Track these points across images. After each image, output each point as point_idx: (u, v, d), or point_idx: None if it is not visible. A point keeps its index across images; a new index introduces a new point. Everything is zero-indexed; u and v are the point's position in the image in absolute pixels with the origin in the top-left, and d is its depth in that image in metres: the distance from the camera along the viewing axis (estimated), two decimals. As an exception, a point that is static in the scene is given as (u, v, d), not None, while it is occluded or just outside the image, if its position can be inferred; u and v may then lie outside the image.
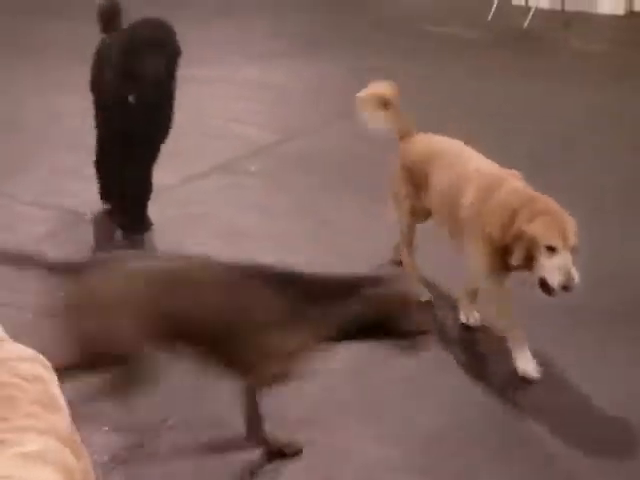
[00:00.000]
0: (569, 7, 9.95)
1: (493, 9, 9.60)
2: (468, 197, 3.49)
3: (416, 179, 3.82)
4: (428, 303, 3.85)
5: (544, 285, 3.26)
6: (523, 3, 9.88)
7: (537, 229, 3.23)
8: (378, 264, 4.11)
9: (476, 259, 3.48)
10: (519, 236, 3.25)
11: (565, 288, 3.19)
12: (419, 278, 3.96)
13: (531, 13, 9.37)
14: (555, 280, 3.19)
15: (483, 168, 3.62)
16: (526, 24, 9.34)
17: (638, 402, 3.37)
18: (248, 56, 7.62)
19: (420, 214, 3.92)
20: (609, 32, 9.74)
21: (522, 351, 3.44)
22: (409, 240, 3.98)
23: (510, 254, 3.30)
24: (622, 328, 3.77)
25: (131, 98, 4.18)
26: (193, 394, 3.31)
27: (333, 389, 3.37)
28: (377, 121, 4.02)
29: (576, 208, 3.48)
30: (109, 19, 4.59)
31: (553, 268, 3.20)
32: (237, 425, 3.05)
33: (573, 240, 3.25)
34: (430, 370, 3.42)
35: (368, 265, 3.99)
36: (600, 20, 10.12)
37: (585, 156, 5.69)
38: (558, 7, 9.88)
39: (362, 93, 4.05)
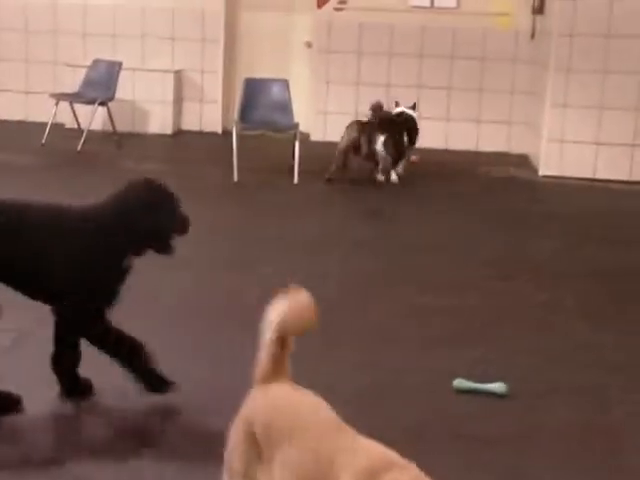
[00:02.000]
0: (120, 128, 10.39)
1: (46, 134, 9.79)
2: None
3: (259, 447, 2.56)
4: None
5: None
6: (76, 126, 10.17)
7: None
8: None
9: None
10: None
11: None
12: None
13: (84, 136, 9.67)
14: None
15: (363, 445, 2.50)
16: (79, 147, 9.61)
17: None
18: None
19: None
20: (160, 150, 10.29)
21: None
22: None
23: None
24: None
25: None
26: None
27: None
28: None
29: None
30: None
31: None
32: None
33: None
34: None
35: None
36: (151, 139, 10.69)
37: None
38: (110, 128, 10.28)
39: (280, 314, 2.57)
